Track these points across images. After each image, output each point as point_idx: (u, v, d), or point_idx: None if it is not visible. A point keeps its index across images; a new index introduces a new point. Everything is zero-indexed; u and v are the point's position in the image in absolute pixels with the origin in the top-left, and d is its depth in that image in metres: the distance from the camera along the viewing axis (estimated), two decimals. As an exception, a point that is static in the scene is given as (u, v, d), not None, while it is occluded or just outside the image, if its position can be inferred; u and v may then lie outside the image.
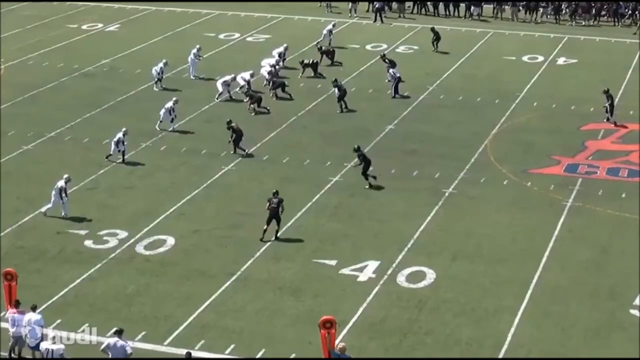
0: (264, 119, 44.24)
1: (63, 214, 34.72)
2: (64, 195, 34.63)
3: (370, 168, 37.49)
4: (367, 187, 37.29)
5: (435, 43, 56.23)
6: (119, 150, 39.65)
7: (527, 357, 26.52)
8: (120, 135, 39.56)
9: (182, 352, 25.47)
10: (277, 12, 64.83)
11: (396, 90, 47.78)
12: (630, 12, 62.71)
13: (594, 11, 62.98)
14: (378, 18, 63.00)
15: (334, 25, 58.34)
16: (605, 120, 43.72)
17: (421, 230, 33.83)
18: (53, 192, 34.66)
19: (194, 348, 26.51)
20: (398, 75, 47.94)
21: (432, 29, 56.98)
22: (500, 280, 30.43)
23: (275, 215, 33.07)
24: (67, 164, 39.90)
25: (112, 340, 25.05)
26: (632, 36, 59.20)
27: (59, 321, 27.89)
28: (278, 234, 33.28)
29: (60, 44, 58.03)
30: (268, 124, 43.62)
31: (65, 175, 34.94)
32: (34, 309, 26.13)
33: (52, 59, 54.87)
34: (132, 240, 33.14)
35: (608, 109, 43.62)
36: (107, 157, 39.86)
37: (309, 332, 26.78)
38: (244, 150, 40.73)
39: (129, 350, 24.97)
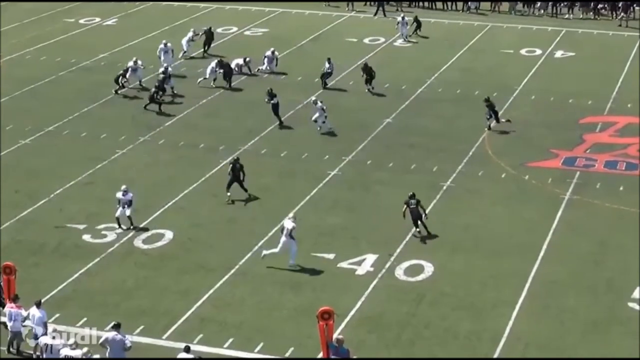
0: (262, 113, 44.14)
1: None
2: (125, 207, 33.50)
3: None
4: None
5: (416, 31, 56.94)
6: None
7: (525, 350, 26.55)
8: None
9: (181, 345, 25.46)
10: (275, 6, 64.78)
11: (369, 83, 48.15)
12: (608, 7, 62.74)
13: (592, 5, 62.90)
14: (380, 11, 62.88)
15: (402, 18, 57.51)
16: (487, 128, 42.36)
17: (420, 223, 33.80)
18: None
19: (193, 342, 26.52)
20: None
21: (416, 18, 57.34)
22: (499, 273, 30.45)
23: (419, 216, 32.92)
24: (65, 158, 40.00)
25: (111, 334, 25.08)
26: (630, 29, 59.17)
27: (57, 315, 27.92)
28: (428, 229, 33.17)
29: (58, 38, 58.00)
30: (266, 117, 43.57)
31: (123, 187, 33.71)
32: (38, 304, 26.10)
33: (50, 53, 54.87)
34: (130, 234, 33.14)
35: (492, 115, 42.33)
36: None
37: (308, 325, 26.78)
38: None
39: (128, 344, 25.03)
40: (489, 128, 42.40)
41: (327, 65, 48.55)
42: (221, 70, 48.18)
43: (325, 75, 48.41)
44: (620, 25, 60.09)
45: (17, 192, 36.59)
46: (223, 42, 56.85)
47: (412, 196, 33.15)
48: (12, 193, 36.50)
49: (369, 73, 47.68)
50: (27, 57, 54.38)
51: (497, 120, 42.48)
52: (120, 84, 47.29)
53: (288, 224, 30.64)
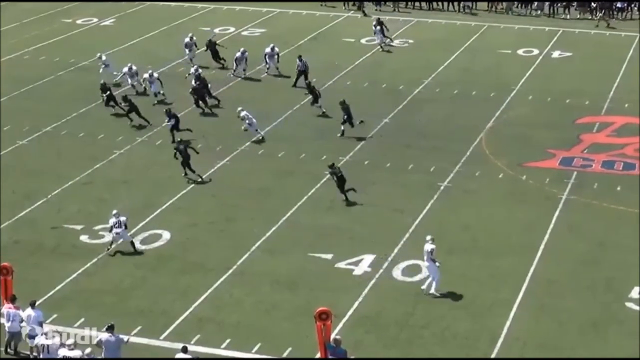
0: (259, 113, 44.11)
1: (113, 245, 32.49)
2: (122, 229, 32.04)
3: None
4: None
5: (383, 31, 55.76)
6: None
7: (523, 350, 26.57)
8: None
9: (178, 346, 25.47)
10: (272, 6, 64.79)
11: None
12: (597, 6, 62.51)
13: (589, 6, 62.76)
14: (363, 10, 63.11)
15: (375, 26, 55.67)
16: (340, 135, 41.70)
17: (417, 223, 33.86)
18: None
19: (190, 342, 26.54)
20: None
21: (378, 19, 56.54)
22: (496, 273, 30.46)
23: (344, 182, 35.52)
24: (63, 158, 40.02)
25: (105, 335, 25.17)
26: (627, 29, 59.15)
27: (55, 315, 27.94)
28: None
29: (57, 38, 58.02)
30: (263, 118, 43.54)
31: (114, 211, 32.23)
32: (32, 305, 26.13)
33: (49, 53, 54.88)
34: (127, 235, 33.09)
35: (346, 119, 41.71)
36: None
37: (305, 326, 26.81)
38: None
39: (125, 339, 25.40)
40: (342, 134, 41.73)
41: (298, 63, 48.47)
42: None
43: (299, 74, 48.18)
44: (608, 26, 59.86)
45: (14, 193, 36.62)
46: (221, 42, 56.80)
47: (332, 165, 35.47)
48: (10, 193, 36.52)
49: (312, 92, 44.88)
50: (25, 57, 54.41)
51: (352, 124, 41.66)
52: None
53: (427, 246, 29.00)
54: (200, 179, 37.66)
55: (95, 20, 62.66)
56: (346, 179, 35.52)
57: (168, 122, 41.47)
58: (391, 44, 55.86)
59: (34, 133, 42.67)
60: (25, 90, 48.61)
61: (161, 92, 46.68)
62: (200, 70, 47.74)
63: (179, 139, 38.78)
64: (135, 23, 62.01)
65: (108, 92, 44.99)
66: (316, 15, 63.07)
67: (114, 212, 32.21)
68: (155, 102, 46.12)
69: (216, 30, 59.03)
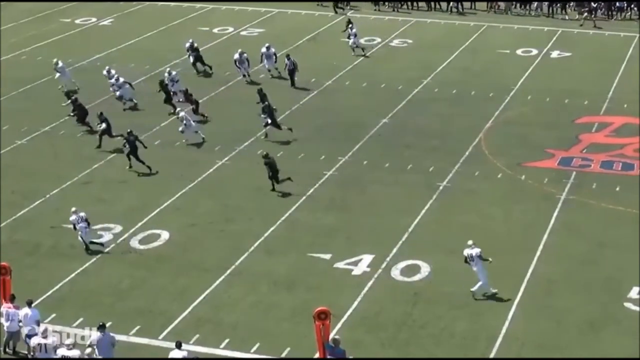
0: (258, 112, 44.10)
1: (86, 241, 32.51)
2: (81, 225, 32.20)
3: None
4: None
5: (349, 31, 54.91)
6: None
7: (521, 350, 26.56)
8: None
9: (177, 346, 25.53)
10: (271, 6, 64.78)
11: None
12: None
13: (587, 6, 62.69)
14: (337, 8, 63.23)
15: (351, 28, 54.69)
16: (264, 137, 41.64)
17: (416, 223, 33.84)
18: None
19: (189, 342, 26.55)
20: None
21: (349, 20, 56.22)
22: (495, 273, 30.35)
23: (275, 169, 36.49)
24: (61, 158, 39.99)
25: (97, 335, 25.23)
26: (626, 30, 59.14)
27: (53, 315, 27.93)
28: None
29: (54, 38, 58.01)
30: (262, 118, 43.54)
31: (73, 209, 32.40)
32: (29, 304, 26.14)
33: (46, 53, 54.82)
34: (126, 235, 33.15)
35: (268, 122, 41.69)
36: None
37: (304, 326, 26.81)
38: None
39: (116, 337, 25.53)
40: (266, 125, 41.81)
41: (287, 62, 48.45)
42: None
43: (290, 73, 48.22)
44: (582, 25, 59.84)
45: (14, 193, 36.63)
46: (219, 42, 56.87)
47: (267, 155, 36.42)
48: (9, 193, 36.52)
49: (262, 99, 43.19)
50: (22, 57, 54.39)
51: (276, 127, 41.68)
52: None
53: (474, 251, 28.72)
54: (149, 170, 38.38)
55: (93, 20, 62.68)
56: (279, 169, 36.48)
57: (99, 125, 41.20)
58: (362, 45, 55.35)
59: (32, 133, 42.68)
60: (24, 90, 48.61)
61: (133, 99, 46.40)
62: (170, 74, 46.98)
63: (129, 130, 39.00)
64: (133, 23, 62.02)
65: (73, 98, 44.24)
66: (315, 15, 63.06)
67: (73, 209, 32.31)
68: (126, 107, 45.94)
69: (215, 30, 59.03)
